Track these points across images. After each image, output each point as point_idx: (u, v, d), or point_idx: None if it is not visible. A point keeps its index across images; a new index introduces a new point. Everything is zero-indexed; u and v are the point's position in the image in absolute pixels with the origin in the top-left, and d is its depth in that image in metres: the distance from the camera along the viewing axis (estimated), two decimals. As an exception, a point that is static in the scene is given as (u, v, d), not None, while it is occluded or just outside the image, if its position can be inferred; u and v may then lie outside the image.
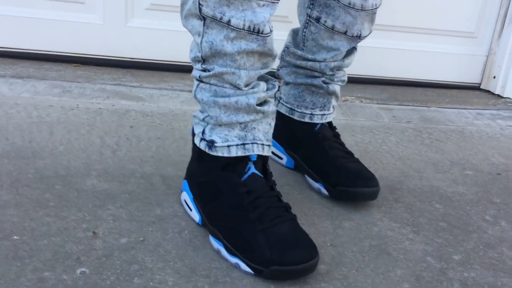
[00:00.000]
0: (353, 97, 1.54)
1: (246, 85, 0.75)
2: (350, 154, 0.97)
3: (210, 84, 0.76)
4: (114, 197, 0.86)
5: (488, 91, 1.77)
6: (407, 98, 1.59)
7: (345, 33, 0.92)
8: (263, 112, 0.78)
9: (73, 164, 0.95)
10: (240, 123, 0.77)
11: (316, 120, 0.98)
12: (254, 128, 0.78)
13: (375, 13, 0.93)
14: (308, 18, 0.94)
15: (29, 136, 1.04)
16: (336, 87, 0.98)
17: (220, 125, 0.77)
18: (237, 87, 0.75)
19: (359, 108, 1.46)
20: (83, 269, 0.68)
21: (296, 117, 0.99)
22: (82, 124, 1.13)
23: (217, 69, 0.74)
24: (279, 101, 1.03)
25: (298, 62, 0.96)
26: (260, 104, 0.78)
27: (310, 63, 0.95)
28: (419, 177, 1.06)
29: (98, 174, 0.93)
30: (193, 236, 0.78)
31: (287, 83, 1.02)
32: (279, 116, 1.04)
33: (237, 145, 0.77)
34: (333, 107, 1.01)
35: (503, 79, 1.72)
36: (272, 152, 1.06)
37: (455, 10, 1.68)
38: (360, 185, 0.89)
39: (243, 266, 0.71)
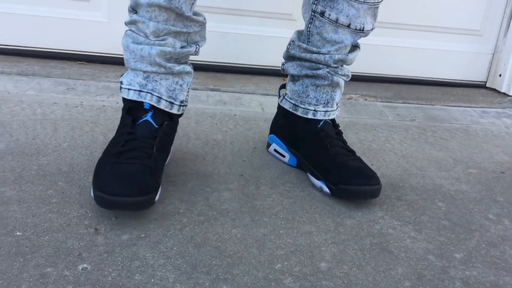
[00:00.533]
0: (357, 95, 1.54)
1: (154, 37, 0.84)
2: (351, 152, 0.97)
3: (131, 31, 0.87)
4: (117, 194, 0.86)
5: (494, 89, 1.76)
6: (412, 96, 1.59)
7: (348, 26, 0.93)
8: (165, 67, 0.86)
9: (76, 161, 0.96)
10: (143, 72, 0.86)
11: (319, 116, 0.98)
12: (156, 81, 0.87)
13: (377, 7, 0.95)
14: (312, 13, 0.95)
15: (33, 133, 1.05)
16: (340, 81, 0.99)
17: (130, 70, 0.88)
18: (146, 36, 0.84)
19: (363, 106, 1.46)
20: (84, 265, 0.68)
21: (299, 113, 1.00)
22: (86, 121, 1.14)
23: (134, 17, 0.84)
24: (283, 97, 1.04)
25: (303, 55, 0.98)
26: (170, 61, 0.87)
27: (315, 55, 0.96)
28: (422, 175, 1.06)
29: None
30: (194, 233, 0.78)
31: (292, 78, 1.02)
32: (283, 113, 1.04)
33: (135, 90, 0.87)
34: (336, 104, 1.01)
35: (509, 77, 1.72)
36: (275, 150, 1.07)
37: (461, 8, 1.68)
38: (362, 183, 0.89)
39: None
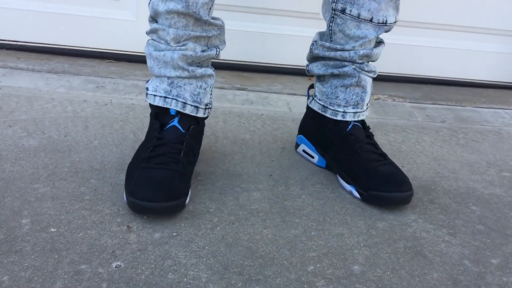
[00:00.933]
0: (385, 96, 1.52)
1: (175, 43, 0.86)
2: (383, 156, 0.95)
3: (152, 39, 0.90)
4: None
5: (526, 91, 1.72)
6: (441, 97, 1.56)
7: (371, 20, 0.92)
8: (188, 71, 0.87)
9: (107, 159, 0.96)
10: (168, 78, 0.89)
11: (349, 118, 0.97)
12: (180, 86, 0.89)
13: None
14: (333, 12, 0.94)
15: (65, 130, 1.06)
16: (367, 79, 0.97)
17: (155, 76, 0.91)
18: (167, 43, 0.86)
19: (392, 107, 1.44)
20: (118, 263, 0.69)
21: (328, 114, 0.99)
22: (116, 119, 1.14)
23: (154, 26, 0.87)
24: (313, 98, 1.03)
25: (327, 53, 0.97)
26: (192, 65, 0.88)
27: (339, 53, 0.95)
28: (455, 178, 1.04)
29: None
30: (226, 232, 0.78)
31: (318, 78, 1.01)
32: (312, 114, 1.03)
33: (161, 96, 0.89)
34: (366, 104, 0.99)
35: (541, 78, 1.67)
36: (304, 151, 1.06)
37: (492, 8, 1.64)
38: (393, 189, 0.88)
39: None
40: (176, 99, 0.89)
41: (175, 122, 0.89)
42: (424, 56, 1.66)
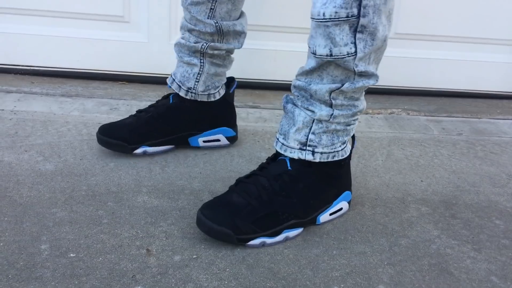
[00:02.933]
0: (400, 109, 1.51)
1: (181, 32, 1.09)
2: None
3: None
4: (165, 214, 0.86)
5: (541, 101, 1.70)
6: (456, 110, 1.54)
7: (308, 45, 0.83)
8: (179, 56, 1.10)
9: (123, 181, 0.96)
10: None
11: None
12: (177, 67, 1.12)
13: (328, 26, 0.74)
14: None
15: (80, 153, 1.06)
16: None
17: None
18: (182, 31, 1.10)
19: (407, 121, 1.43)
20: (139, 287, 0.68)
21: None
22: (131, 141, 1.14)
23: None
24: None
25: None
26: (182, 52, 1.09)
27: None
28: (476, 192, 1.02)
29: (148, 191, 0.93)
30: (246, 253, 0.77)
31: None
32: None
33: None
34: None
35: (557, 88, 1.65)
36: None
37: (504, 18, 1.63)
38: None
39: None
40: (171, 76, 1.10)
41: (170, 96, 1.11)
42: (437, 68, 1.65)
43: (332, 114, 0.81)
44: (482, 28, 1.63)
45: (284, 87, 1.64)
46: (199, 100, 1.09)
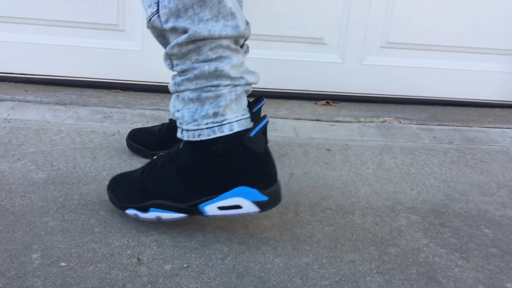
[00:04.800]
0: (391, 118, 1.52)
1: None
2: None
3: None
4: (157, 223, 0.86)
5: (532, 109, 1.72)
6: (448, 118, 1.56)
7: None
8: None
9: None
10: None
11: None
12: None
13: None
14: None
15: (73, 162, 1.07)
16: None
17: None
18: None
19: (398, 129, 1.44)
20: (129, 297, 0.68)
21: None
22: (124, 149, 1.15)
23: None
24: None
25: None
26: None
27: None
28: (465, 200, 1.03)
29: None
30: (236, 262, 0.77)
31: None
32: None
33: None
34: None
35: (547, 96, 1.67)
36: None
37: (496, 28, 1.65)
38: None
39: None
40: None
41: None
42: (429, 77, 1.67)
43: (175, 81, 0.78)
44: (474, 37, 1.65)
45: (277, 96, 1.65)
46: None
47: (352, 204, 0.98)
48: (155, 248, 0.79)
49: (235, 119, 0.77)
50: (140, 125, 1.30)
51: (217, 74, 0.75)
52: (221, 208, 0.79)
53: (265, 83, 1.64)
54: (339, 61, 1.64)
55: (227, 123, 0.77)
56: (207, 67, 0.75)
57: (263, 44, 1.60)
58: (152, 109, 1.44)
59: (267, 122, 0.78)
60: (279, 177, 1.07)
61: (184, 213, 0.82)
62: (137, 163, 1.08)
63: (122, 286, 0.70)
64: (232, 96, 0.77)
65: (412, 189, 1.06)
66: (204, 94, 0.76)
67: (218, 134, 0.77)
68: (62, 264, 0.74)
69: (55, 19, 1.53)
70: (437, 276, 0.78)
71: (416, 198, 1.03)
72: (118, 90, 1.59)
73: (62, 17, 1.53)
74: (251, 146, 0.76)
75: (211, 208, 0.80)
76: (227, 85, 0.76)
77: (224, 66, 0.75)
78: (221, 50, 0.75)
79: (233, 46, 0.76)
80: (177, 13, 0.73)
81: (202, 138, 0.77)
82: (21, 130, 1.21)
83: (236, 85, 0.77)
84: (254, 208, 0.78)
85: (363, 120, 1.49)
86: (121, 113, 1.39)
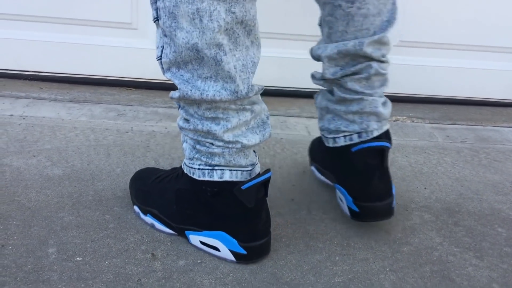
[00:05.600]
0: (404, 117, 1.52)
1: None
2: None
3: None
4: (171, 219, 0.87)
5: (547, 109, 1.70)
6: (461, 117, 1.55)
7: None
8: None
9: (130, 186, 0.97)
10: None
11: None
12: None
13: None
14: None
15: (88, 158, 1.08)
16: None
17: None
18: None
19: (411, 128, 1.43)
20: (144, 291, 0.69)
21: None
22: (137, 146, 1.16)
23: None
24: None
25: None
26: None
27: None
28: (479, 200, 1.03)
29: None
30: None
31: None
32: None
33: None
34: None
35: (562, 96, 1.65)
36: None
37: (509, 26, 1.64)
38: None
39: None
40: None
41: None
42: (442, 76, 1.66)
43: (179, 120, 0.78)
44: (488, 36, 1.64)
45: (289, 94, 1.66)
46: None
47: (364, 202, 0.98)
48: (169, 244, 0.80)
49: (229, 168, 0.75)
50: (153, 123, 1.31)
51: (211, 135, 0.73)
52: (202, 243, 0.79)
53: (276, 81, 1.64)
54: (352, 60, 1.64)
55: (219, 169, 0.75)
56: (201, 126, 0.73)
57: (274, 42, 1.60)
58: (165, 107, 1.45)
59: (268, 178, 0.75)
60: (294, 175, 1.08)
61: (173, 231, 0.82)
62: (150, 160, 1.09)
63: (137, 280, 0.71)
64: (226, 156, 0.74)
65: (425, 188, 1.06)
66: (198, 146, 0.76)
67: (207, 179, 0.75)
68: (78, 258, 0.75)
69: (70, 17, 1.55)
70: (451, 275, 0.77)
71: (429, 197, 1.02)
72: (131, 88, 1.60)
73: (76, 15, 1.55)
74: (240, 198, 0.74)
75: (194, 239, 0.80)
76: (219, 146, 0.74)
77: (218, 130, 0.72)
78: (219, 111, 0.72)
79: (233, 107, 0.72)
80: (177, 65, 0.71)
81: (195, 176, 0.77)
82: (36, 127, 1.22)
83: (231, 148, 0.74)
84: (230, 257, 0.76)
85: (375, 118, 1.49)
86: (135, 111, 1.40)
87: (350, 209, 0.87)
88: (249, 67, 0.71)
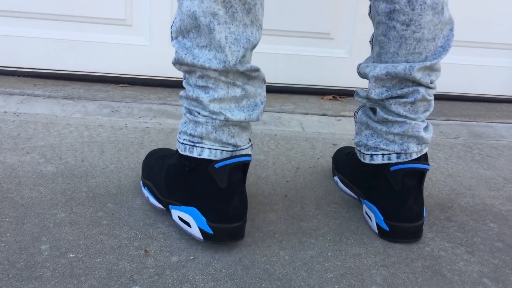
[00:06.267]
0: (398, 113, 1.52)
1: None
2: None
3: None
4: (164, 215, 0.87)
5: (540, 105, 1.71)
6: (455, 113, 1.56)
7: None
8: None
9: (123, 183, 0.98)
10: None
11: None
12: None
13: None
14: None
15: (81, 155, 1.08)
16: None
17: None
18: None
19: (405, 124, 1.44)
20: (137, 287, 0.69)
21: None
22: (131, 143, 1.16)
23: None
24: None
25: None
26: None
27: None
28: (471, 195, 1.03)
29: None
30: (242, 255, 0.78)
31: None
32: None
33: None
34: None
35: (556, 91, 1.66)
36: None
37: (504, 23, 1.64)
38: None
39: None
40: None
41: None
42: (436, 72, 1.66)
43: (180, 94, 0.82)
44: (481, 32, 1.65)
45: (284, 90, 1.66)
46: None
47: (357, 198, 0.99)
48: (162, 240, 0.80)
49: (209, 146, 0.77)
50: (147, 119, 1.31)
51: (199, 102, 0.77)
52: (179, 218, 0.82)
53: (271, 77, 1.64)
54: (346, 56, 1.64)
55: (199, 147, 0.78)
56: (192, 93, 0.77)
57: (270, 38, 1.60)
58: (159, 104, 1.45)
59: (245, 161, 0.77)
60: (287, 171, 1.08)
61: (162, 205, 0.87)
62: (143, 156, 1.09)
63: (130, 277, 0.71)
64: (209, 127, 0.76)
65: (418, 184, 1.06)
66: (188, 115, 0.79)
67: (187, 153, 0.79)
68: (71, 255, 0.75)
69: (64, 14, 1.55)
70: (442, 270, 0.78)
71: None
72: (125, 85, 1.60)
73: (71, 12, 1.54)
74: (214, 177, 0.76)
75: (174, 213, 0.83)
76: (205, 116, 0.77)
77: (205, 98, 0.75)
78: (210, 81, 0.75)
79: (223, 78, 0.74)
80: (182, 33, 0.75)
81: (180, 150, 0.80)
82: (30, 124, 1.22)
83: (214, 119, 0.76)
84: (198, 234, 0.78)
85: (369, 115, 1.49)
86: (129, 108, 1.40)
87: (379, 227, 0.86)
88: (242, 43, 0.73)
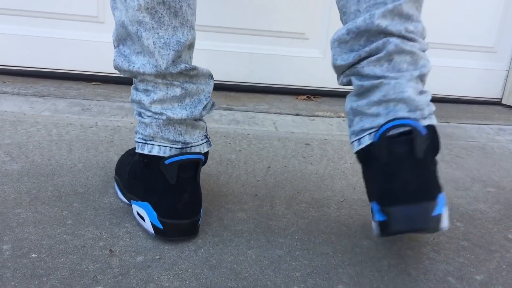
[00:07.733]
0: (371, 113, 1.53)
1: None
2: None
3: None
4: (131, 215, 0.86)
5: (510, 106, 1.74)
6: (426, 114, 1.57)
7: None
8: None
9: (91, 182, 0.96)
10: None
11: None
12: None
13: None
14: None
15: (49, 154, 1.06)
16: None
17: None
18: None
19: (377, 124, 1.45)
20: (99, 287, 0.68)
21: None
22: (101, 141, 1.14)
23: None
24: None
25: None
26: None
27: None
28: (439, 195, 1.04)
29: (115, 192, 0.93)
30: (209, 254, 0.78)
31: None
32: None
33: None
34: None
35: (524, 93, 1.70)
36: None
37: (474, 25, 1.67)
38: None
39: None
40: None
41: None
42: (409, 73, 1.68)
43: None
44: (454, 34, 1.67)
45: (258, 90, 1.66)
46: None
47: (328, 197, 0.99)
48: (128, 240, 0.79)
49: (159, 143, 0.80)
50: (118, 118, 1.30)
51: (142, 105, 0.80)
52: (137, 213, 0.83)
53: (245, 77, 1.64)
54: (321, 56, 1.65)
55: (150, 144, 0.80)
56: (135, 96, 0.81)
57: (243, 38, 1.60)
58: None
59: (195, 159, 0.78)
60: (259, 171, 1.08)
61: (127, 200, 0.89)
62: (113, 155, 1.08)
63: (93, 277, 0.70)
64: (154, 127, 0.79)
65: (387, 183, 1.07)
66: (137, 117, 0.82)
67: (139, 151, 0.82)
68: (33, 255, 0.73)
69: (35, 10, 1.52)
70: (408, 268, 0.79)
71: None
72: (97, 83, 1.58)
73: (42, 8, 1.51)
74: (164, 173, 0.77)
75: (134, 209, 0.85)
76: (148, 116, 0.80)
77: (146, 100, 0.78)
78: (150, 84, 0.78)
79: (160, 80, 0.77)
80: (121, 42, 0.79)
81: (136, 149, 0.84)
82: (-3, 121, 1.20)
83: (157, 119, 0.79)
84: (150, 229, 0.80)
85: (343, 115, 1.50)
86: (100, 106, 1.38)
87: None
88: (172, 45, 0.74)
